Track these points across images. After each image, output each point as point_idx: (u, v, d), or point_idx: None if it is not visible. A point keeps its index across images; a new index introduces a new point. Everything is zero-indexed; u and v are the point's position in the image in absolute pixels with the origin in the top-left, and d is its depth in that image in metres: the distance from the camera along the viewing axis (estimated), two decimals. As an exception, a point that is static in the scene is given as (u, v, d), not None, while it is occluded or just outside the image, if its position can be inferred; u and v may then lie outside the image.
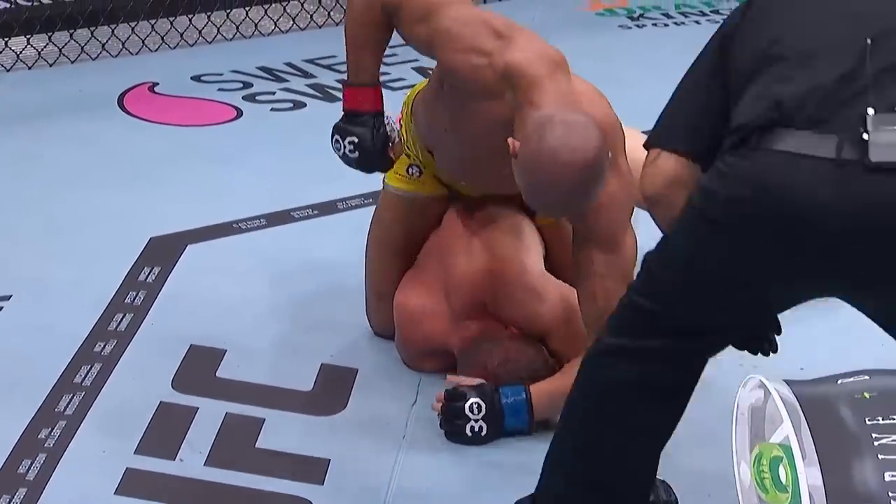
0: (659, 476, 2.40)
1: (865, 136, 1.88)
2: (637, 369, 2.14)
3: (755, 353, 2.26)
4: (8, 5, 5.37)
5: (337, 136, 2.85)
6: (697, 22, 5.71)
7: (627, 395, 2.17)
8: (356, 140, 2.83)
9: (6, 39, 5.09)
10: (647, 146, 2.19)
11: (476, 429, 2.71)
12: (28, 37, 5.13)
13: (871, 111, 1.90)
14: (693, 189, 2.07)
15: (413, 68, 4.76)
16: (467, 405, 2.70)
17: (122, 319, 3.14)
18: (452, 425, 2.72)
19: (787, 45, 2.04)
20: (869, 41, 1.97)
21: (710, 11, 5.85)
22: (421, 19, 2.65)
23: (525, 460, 2.63)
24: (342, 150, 2.85)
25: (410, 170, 2.98)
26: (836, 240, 1.92)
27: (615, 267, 2.60)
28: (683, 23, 5.70)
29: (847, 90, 1.94)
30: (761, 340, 2.24)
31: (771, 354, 2.26)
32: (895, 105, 1.91)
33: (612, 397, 2.18)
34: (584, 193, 2.38)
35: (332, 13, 5.74)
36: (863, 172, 1.89)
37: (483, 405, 2.71)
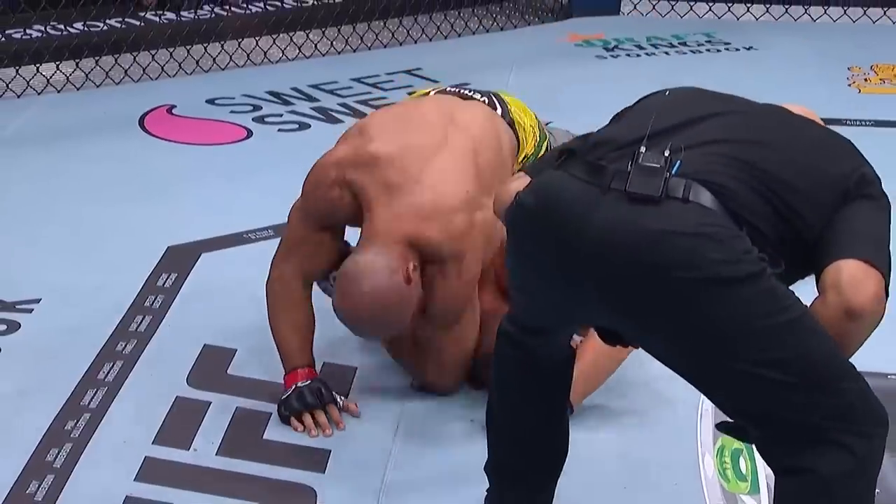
0: (630, 467, 2.40)
1: (630, 168, 1.97)
2: (513, 352, 2.22)
3: (615, 346, 2.25)
4: (40, 34, 5.36)
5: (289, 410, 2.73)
6: (667, 53, 5.71)
7: (513, 371, 2.24)
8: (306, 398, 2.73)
9: (38, 65, 5.09)
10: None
11: None
12: (58, 63, 5.14)
13: (642, 149, 2.00)
14: None
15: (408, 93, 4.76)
16: None
17: (141, 321, 3.12)
18: None
19: (621, 124, 2.18)
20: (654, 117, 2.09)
21: (679, 43, 5.85)
22: None
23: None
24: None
25: None
26: (597, 251, 1.96)
27: (450, 341, 2.73)
28: (654, 53, 5.70)
29: (633, 144, 2.03)
30: (616, 340, 2.22)
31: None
32: (663, 150, 1.99)
33: (504, 371, 2.26)
34: (378, 328, 2.60)
35: (334, 43, 5.75)
36: (624, 200, 1.96)
37: None
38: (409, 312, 2.58)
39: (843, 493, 1.95)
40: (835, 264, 1.97)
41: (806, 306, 1.96)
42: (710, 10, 6.19)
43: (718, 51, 5.76)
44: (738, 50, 5.74)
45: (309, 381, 2.73)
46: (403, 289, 2.54)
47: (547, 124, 3.04)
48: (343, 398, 2.78)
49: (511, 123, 2.88)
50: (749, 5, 6.31)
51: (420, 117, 2.77)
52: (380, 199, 2.62)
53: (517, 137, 2.88)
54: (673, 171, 1.96)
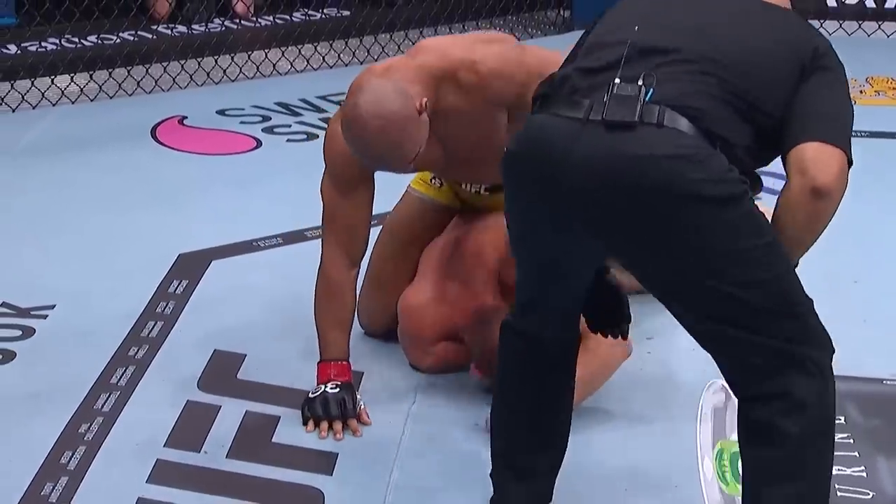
0: (631, 469, 2.40)
1: (606, 99, 2.00)
2: (516, 341, 2.26)
3: (607, 336, 2.32)
4: (55, 47, 5.38)
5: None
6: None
7: (518, 360, 2.27)
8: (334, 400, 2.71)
9: (53, 77, 5.10)
10: None
11: None
12: (72, 75, 5.15)
13: (616, 80, 2.02)
14: None
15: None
16: None
17: (153, 327, 3.13)
18: None
19: (590, 41, 2.20)
20: (636, 28, 2.11)
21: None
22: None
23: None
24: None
25: (434, 180, 2.99)
26: (581, 181, 2.00)
27: None
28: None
29: (606, 70, 2.06)
30: (613, 326, 2.30)
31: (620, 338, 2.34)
32: (636, 77, 2.02)
33: (509, 363, 2.28)
34: (384, 149, 2.47)
35: (341, 55, 5.75)
36: (604, 129, 1.99)
37: None
38: (414, 142, 2.50)
39: (818, 412, 2.01)
40: (797, 148, 2.02)
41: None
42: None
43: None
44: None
45: (338, 388, 2.71)
46: (414, 116, 2.49)
47: None
48: (363, 405, 2.76)
49: None
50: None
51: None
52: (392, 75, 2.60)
53: None
54: (647, 98, 2.00)
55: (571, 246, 2.12)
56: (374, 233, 2.92)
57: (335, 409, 2.70)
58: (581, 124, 2.01)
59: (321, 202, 2.76)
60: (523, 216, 2.14)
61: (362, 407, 2.75)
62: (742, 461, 2.10)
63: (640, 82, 2.01)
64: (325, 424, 2.69)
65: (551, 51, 2.69)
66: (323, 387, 2.72)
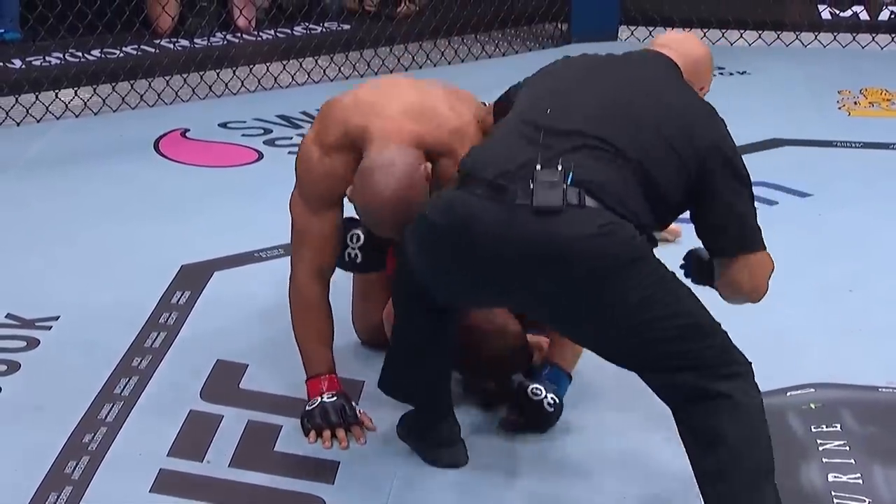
0: (629, 479, 2.41)
1: (532, 186, 2.21)
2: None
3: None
4: (59, 61, 5.38)
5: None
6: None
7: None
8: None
9: (56, 91, 5.10)
10: None
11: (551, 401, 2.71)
12: (76, 89, 5.14)
13: (538, 167, 2.23)
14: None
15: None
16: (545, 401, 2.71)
17: (156, 337, 3.12)
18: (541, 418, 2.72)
19: (511, 119, 2.41)
20: (549, 111, 2.35)
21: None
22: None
23: (520, 464, 2.63)
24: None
25: None
26: (512, 262, 2.23)
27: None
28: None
29: (525, 153, 2.28)
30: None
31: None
32: (553, 159, 2.24)
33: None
34: (398, 219, 2.50)
35: (342, 68, 5.76)
36: (533, 214, 2.21)
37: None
38: (418, 211, 2.50)
39: (755, 415, 2.25)
40: (730, 275, 2.41)
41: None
42: (704, 35, 6.18)
43: (713, 75, 5.75)
44: (731, 74, 5.74)
45: (334, 397, 2.72)
46: (423, 184, 2.53)
47: None
48: (361, 410, 2.76)
49: None
50: (742, 31, 6.31)
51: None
52: (372, 120, 2.64)
53: None
54: (569, 182, 2.21)
55: (507, 298, 2.40)
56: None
57: (335, 416, 2.69)
58: (508, 209, 2.21)
59: (291, 217, 2.79)
60: (441, 276, 2.36)
61: (362, 412, 2.75)
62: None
63: (559, 167, 2.22)
64: (327, 433, 2.69)
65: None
66: (319, 398, 2.72)
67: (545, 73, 2.55)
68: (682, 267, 2.62)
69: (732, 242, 2.39)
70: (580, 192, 2.21)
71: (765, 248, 2.43)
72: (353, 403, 2.75)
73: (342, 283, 2.99)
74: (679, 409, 2.28)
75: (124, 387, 2.88)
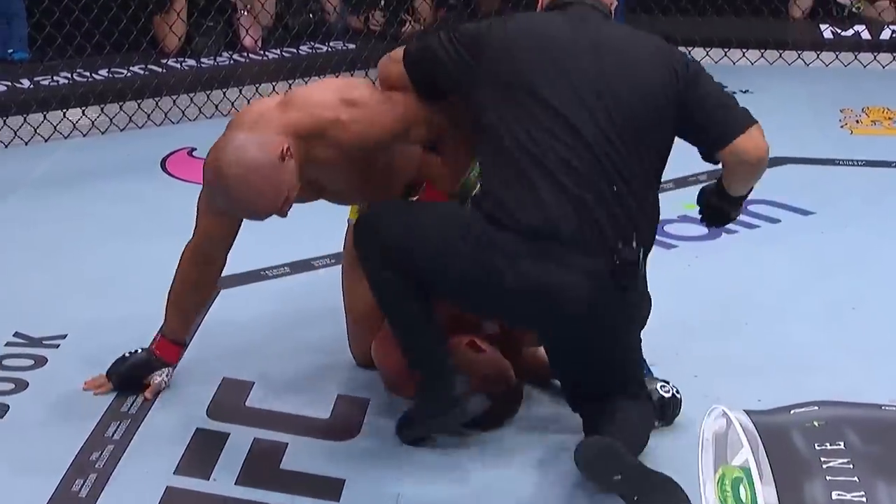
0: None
1: (616, 261, 2.50)
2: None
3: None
4: (66, 81, 5.40)
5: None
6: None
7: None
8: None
9: (64, 110, 5.12)
10: None
11: None
12: (83, 108, 5.17)
13: (620, 245, 2.50)
14: None
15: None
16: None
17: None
18: None
19: (511, 144, 2.58)
20: (558, 140, 2.54)
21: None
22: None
23: (526, 479, 2.63)
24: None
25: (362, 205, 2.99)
26: (576, 319, 2.54)
27: None
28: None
29: (567, 208, 2.51)
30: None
31: None
32: (630, 240, 2.52)
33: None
34: (244, 194, 2.57)
35: (347, 87, 5.77)
36: (613, 286, 2.50)
37: None
38: (278, 188, 2.57)
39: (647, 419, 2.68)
40: (731, 150, 2.57)
41: None
42: (707, 54, 6.21)
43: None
44: (734, 93, 5.73)
45: (142, 353, 2.95)
46: (275, 162, 2.56)
47: None
48: (156, 381, 2.91)
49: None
50: (745, 50, 6.33)
51: None
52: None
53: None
54: (641, 257, 2.53)
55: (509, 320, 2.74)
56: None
57: (122, 368, 2.91)
58: (590, 278, 2.48)
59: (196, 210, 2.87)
60: (481, 298, 2.57)
61: (153, 383, 2.90)
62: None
63: (634, 242, 2.50)
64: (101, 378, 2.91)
65: (410, 96, 2.74)
66: (137, 350, 2.94)
67: (514, 71, 2.56)
68: (699, 213, 2.79)
69: (731, 125, 2.57)
70: (641, 270, 2.55)
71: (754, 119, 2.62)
72: (160, 373, 2.91)
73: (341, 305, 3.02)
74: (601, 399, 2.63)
75: (131, 405, 2.88)
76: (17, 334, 3.20)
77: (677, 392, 2.80)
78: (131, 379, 2.92)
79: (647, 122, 2.55)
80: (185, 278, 2.91)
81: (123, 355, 2.95)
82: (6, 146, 4.95)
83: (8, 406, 2.89)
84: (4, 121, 4.99)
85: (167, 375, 2.94)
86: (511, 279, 2.48)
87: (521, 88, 2.54)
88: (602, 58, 2.57)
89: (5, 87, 5.32)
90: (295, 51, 6.15)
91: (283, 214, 2.67)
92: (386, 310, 2.65)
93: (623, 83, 2.55)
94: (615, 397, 2.63)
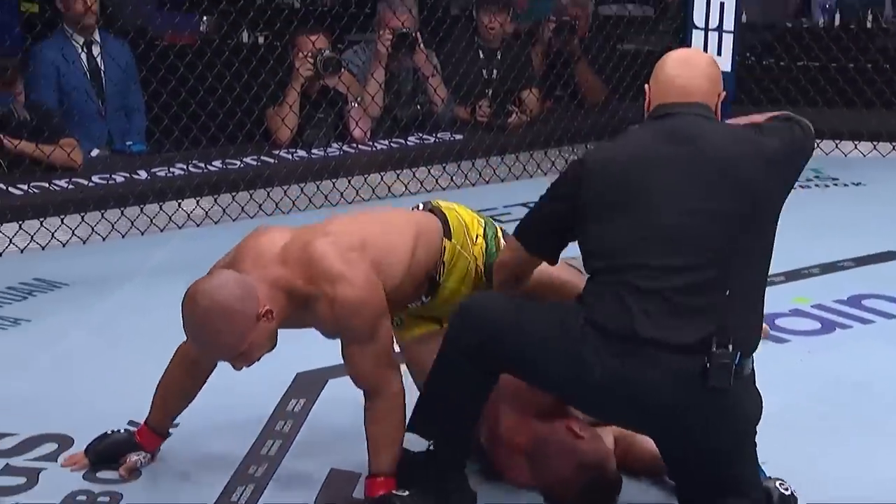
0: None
1: (707, 364, 2.49)
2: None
3: None
4: (182, 172, 5.54)
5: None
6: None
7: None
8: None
9: (179, 201, 5.25)
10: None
11: None
12: (198, 198, 5.29)
13: (714, 348, 2.49)
14: None
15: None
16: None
17: (272, 445, 3.15)
18: None
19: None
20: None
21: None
22: None
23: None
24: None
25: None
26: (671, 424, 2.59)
27: (374, 410, 2.80)
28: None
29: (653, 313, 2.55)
30: None
31: None
32: (727, 343, 2.52)
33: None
34: (206, 340, 2.63)
35: (454, 178, 5.83)
36: (705, 392, 2.52)
37: None
38: (239, 340, 2.62)
39: None
40: None
41: None
42: (818, 146, 6.14)
43: (827, 186, 5.71)
44: (846, 185, 5.68)
45: (124, 434, 3.05)
46: (249, 317, 2.59)
47: None
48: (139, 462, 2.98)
49: (433, 210, 3.01)
50: (856, 142, 6.25)
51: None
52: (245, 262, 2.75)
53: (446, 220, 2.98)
54: (736, 363, 2.50)
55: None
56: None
57: (101, 445, 2.99)
58: (676, 378, 2.49)
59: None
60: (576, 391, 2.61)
61: (133, 460, 2.97)
62: None
63: (730, 347, 2.48)
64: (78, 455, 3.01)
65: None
66: (122, 430, 3.05)
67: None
68: None
69: None
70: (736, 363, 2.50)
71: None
72: (138, 454, 2.98)
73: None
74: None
75: (241, 495, 2.90)
76: (130, 422, 3.25)
77: (794, 491, 2.73)
78: (108, 454, 3.01)
79: (749, 226, 2.56)
80: (172, 378, 3.01)
81: (105, 433, 3.05)
82: (123, 236, 5.08)
83: (121, 495, 2.92)
84: (122, 211, 5.12)
85: (145, 458, 3.01)
86: (599, 374, 2.51)
87: (620, 208, 2.59)
88: (700, 168, 2.59)
89: (123, 179, 5.46)
90: (403, 141, 6.23)
91: (237, 367, 2.72)
92: (440, 391, 2.71)
93: (722, 191, 2.56)
94: (726, 499, 2.58)
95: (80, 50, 5.93)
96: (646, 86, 2.77)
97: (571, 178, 2.68)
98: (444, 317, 2.97)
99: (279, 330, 2.73)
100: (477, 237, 3.01)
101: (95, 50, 5.96)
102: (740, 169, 2.58)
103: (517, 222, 2.81)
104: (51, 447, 3.13)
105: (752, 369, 2.60)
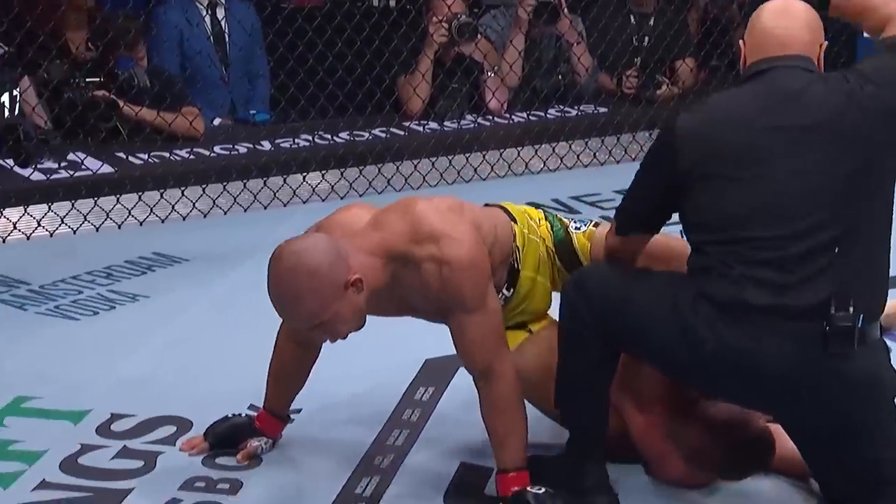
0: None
1: (826, 328, 2.48)
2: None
3: None
4: (307, 143, 5.61)
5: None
6: None
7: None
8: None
9: (304, 174, 5.32)
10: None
11: None
12: (323, 172, 5.36)
13: (832, 310, 2.48)
14: None
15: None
16: None
17: (399, 435, 3.18)
18: None
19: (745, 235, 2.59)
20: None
21: None
22: None
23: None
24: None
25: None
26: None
27: (492, 396, 2.76)
28: None
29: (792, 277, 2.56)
30: None
31: None
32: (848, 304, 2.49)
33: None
34: (287, 303, 2.62)
35: (597, 154, 5.80)
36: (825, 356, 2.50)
37: None
38: (322, 307, 2.60)
39: None
40: None
41: None
42: None
43: None
44: None
45: (243, 418, 3.11)
46: (336, 285, 2.59)
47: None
48: (253, 445, 3.03)
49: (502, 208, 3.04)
50: None
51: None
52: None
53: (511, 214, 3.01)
54: (859, 326, 2.47)
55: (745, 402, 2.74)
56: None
57: (221, 428, 3.04)
58: (795, 342, 2.49)
59: None
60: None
61: (248, 447, 3.02)
62: None
63: (850, 308, 2.46)
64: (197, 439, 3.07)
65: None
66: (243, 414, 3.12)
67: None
68: None
69: None
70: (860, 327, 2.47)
71: None
72: (259, 439, 3.02)
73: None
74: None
75: (366, 487, 2.94)
76: (251, 406, 3.31)
77: None
78: (228, 438, 3.07)
79: (864, 182, 2.54)
80: (281, 360, 3.06)
81: (225, 416, 3.11)
82: (245, 210, 5.17)
83: (241, 483, 2.97)
84: (244, 184, 5.21)
85: (266, 443, 3.05)
86: (712, 346, 2.52)
87: (724, 175, 2.59)
88: (805, 126, 2.57)
89: (246, 150, 5.57)
90: (542, 114, 6.22)
91: (318, 340, 2.79)
92: (569, 367, 2.74)
93: (831, 148, 2.55)
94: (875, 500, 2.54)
95: (203, 12, 6.05)
96: (740, 42, 2.75)
97: (664, 148, 2.68)
98: (527, 319, 3.01)
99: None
100: (540, 220, 3.04)
101: (220, 13, 6.07)
102: (847, 123, 2.55)
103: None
104: (169, 430, 3.21)
105: (884, 340, 2.57)
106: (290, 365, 3.06)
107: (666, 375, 2.78)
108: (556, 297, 2.96)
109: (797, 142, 2.56)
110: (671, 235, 2.91)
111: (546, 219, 3.06)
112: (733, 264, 2.53)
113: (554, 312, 2.94)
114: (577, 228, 3.05)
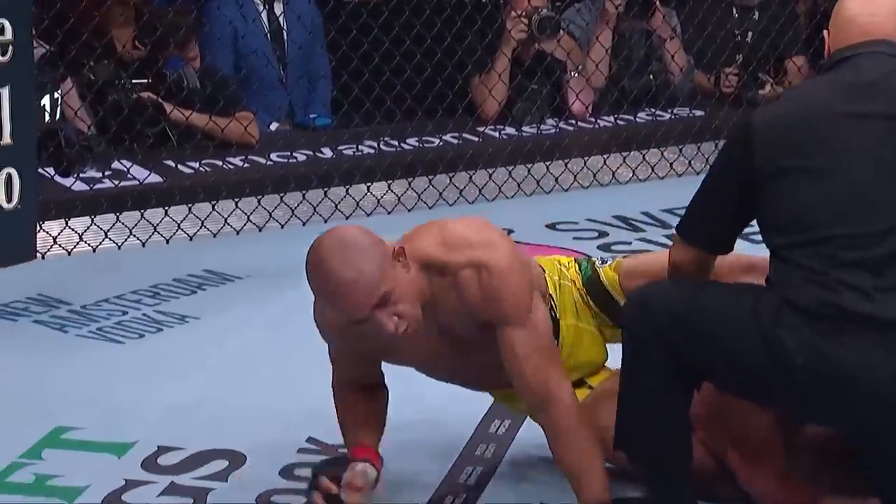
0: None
1: None
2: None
3: None
4: (372, 150, 5.63)
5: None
6: None
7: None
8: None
9: (368, 184, 5.33)
10: None
11: None
12: (389, 182, 5.37)
13: None
14: None
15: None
16: None
17: (471, 472, 3.19)
18: None
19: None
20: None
21: None
22: None
23: None
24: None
25: None
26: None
27: (554, 427, 2.79)
28: None
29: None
30: None
31: None
32: None
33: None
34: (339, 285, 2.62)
35: (692, 162, 5.77)
36: None
37: None
38: (378, 274, 2.63)
39: None
40: None
41: None
42: None
43: None
44: None
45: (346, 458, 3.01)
46: (384, 254, 2.66)
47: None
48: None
49: None
50: None
51: None
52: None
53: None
54: None
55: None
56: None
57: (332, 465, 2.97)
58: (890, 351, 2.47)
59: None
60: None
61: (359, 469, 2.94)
62: None
63: None
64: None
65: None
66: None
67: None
68: None
69: None
70: None
71: None
72: (363, 468, 2.93)
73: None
74: None
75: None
76: (309, 439, 3.33)
77: None
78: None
79: None
80: (354, 408, 3.05)
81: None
82: (304, 223, 5.19)
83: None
84: (304, 195, 5.23)
85: (370, 467, 2.97)
86: (803, 360, 2.50)
87: (804, 171, 2.57)
88: (889, 115, 2.57)
89: (305, 157, 5.60)
90: (631, 118, 6.20)
91: (386, 328, 2.70)
92: (635, 397, 2.69)
93: None
94: None
95: (260, 7, 6.10)
96: (825, 31, 2.75)
97: (739, 143, 2.67)
98: (584, 374, 3.03)
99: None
100: (569, 264, 3.09)
101: (278, 8, 6.12)
102: None
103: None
104: (221, 464, 3.24)
105: None
106: (365, 413, 3.03)
107: (738, 396, 2.74)
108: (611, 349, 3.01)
109: (878, 131, 2.56)
110: (741, 252, 2.90)
111: (576, 261, 3.10)
112: (823, 266, 2.51)
113: (613, 364, 2.95)
114: (603, 262, 3.09)
